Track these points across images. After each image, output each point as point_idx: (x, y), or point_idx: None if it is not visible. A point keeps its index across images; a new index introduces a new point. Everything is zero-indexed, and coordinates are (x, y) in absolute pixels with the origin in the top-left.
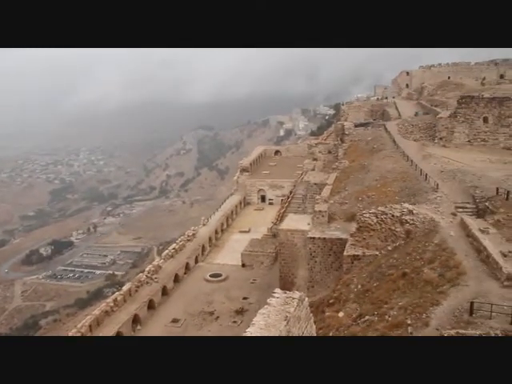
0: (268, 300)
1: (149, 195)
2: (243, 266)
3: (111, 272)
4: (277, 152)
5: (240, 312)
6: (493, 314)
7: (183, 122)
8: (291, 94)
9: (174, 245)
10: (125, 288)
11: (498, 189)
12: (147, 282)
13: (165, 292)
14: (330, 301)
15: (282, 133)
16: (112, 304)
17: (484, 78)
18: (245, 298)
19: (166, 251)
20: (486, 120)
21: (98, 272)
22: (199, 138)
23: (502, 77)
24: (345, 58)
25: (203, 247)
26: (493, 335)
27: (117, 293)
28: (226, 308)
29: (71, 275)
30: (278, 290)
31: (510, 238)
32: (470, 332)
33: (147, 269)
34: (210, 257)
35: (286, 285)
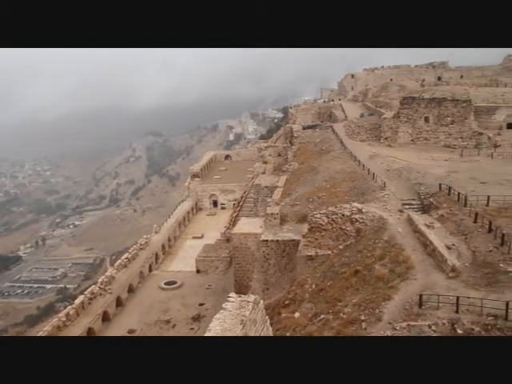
0: (223, 305)
1: (99, 205)
2: (198, 271)
3: (63, 286)
4: (227, 156)
5: (197, 318)
6: (440, 304)
7: (131, 128)
8: (240, 97)
9: (126, 254)
10: (77, 301)
11: (440, 185)
12: (100, 294)
13: (119, 303)
14: (286, 302)
15: (231, 137)
16: (64, 319)
17: (424, 80)
18: (201, 304)
19: (119, 261)
20: (427, 120)
21: (48, 286)
22: (148, 145)
23: (439, 79)
24: (293, 61)
25: (156, 255)
26: (440, 324)
27: (69, 307)
28: (182, 315)
29: (20, 291)
30: (232, 295)
31: (454, 232)
32: (420, 323)
33: (100, 280)
34: (164, 264)
35: (242, 288)
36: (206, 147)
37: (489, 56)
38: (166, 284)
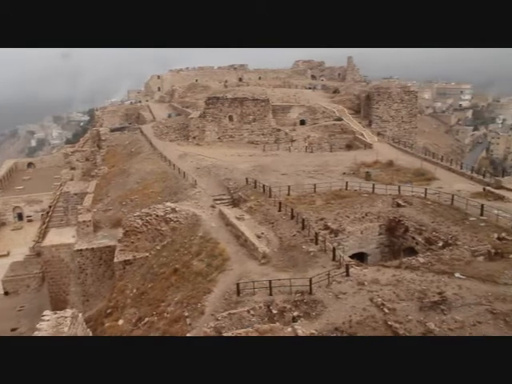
0: (37, 325)
1: None
2: (6, 293)
3: None
4: (30, 164)
5: None
6: (255, 290)
7: None
8: (43, 100)
9: None
10: None
11: (247, 179)
12: None
13: None
14: (108, 311)
15: (33, 143)
16: None
17: (226, 81)
18: (13, 329)
19: None
20: (231, 118)
21: None
22: None
23: (240, 80)
24: (105, 61)
25: None
26: (257, 308)
27: None
28: None
29: None
30: (47, 312)
31: (262, 221)
32: (240, 310)
33: None
34: None
35: (59, 304)
36: (4, 155)
37: (281, 60)
38: None
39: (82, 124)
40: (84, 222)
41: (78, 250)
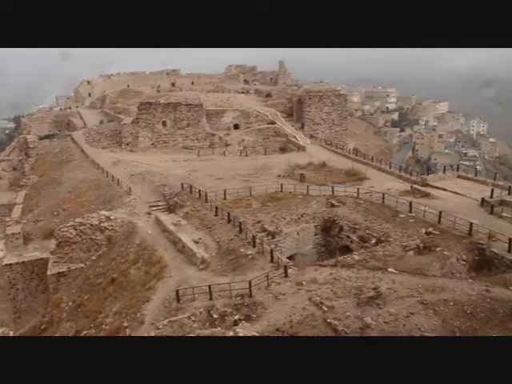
0: None
1: None
2: None
3: None
4: None
5: None
6: (195, 295)
7: None
8: None
9: None
10: None
11: (182, 184)
12: None
13: None
14: (42, 326)
15: None
16: None
17: (159, 86)
18: None
19: None
20: (164, 124)
21: None
22: None
23: (173, 85)
24: (34, 62)
25: None
26: (197, 313)
27: None
28: None
29: None
30: None
31: (199, 227)
32: (180, 317)
33: None
34: None
35: None
36: None
37: (214, 65)
38: None
39: (7, 132)
40: (13, 234)
41: (7, 265)
